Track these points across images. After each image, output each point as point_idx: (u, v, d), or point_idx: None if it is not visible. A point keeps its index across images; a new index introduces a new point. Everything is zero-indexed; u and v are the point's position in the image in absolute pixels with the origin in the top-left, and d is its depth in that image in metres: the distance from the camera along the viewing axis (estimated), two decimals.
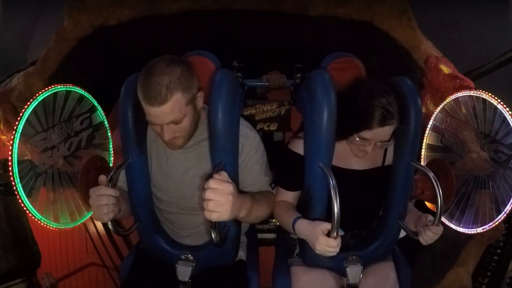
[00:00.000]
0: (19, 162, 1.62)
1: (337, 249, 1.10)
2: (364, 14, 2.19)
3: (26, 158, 1.65)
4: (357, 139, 1.24)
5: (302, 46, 2.67)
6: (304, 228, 1.18)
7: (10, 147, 1.60)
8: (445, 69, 2.03)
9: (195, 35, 2.51)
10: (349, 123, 1.24)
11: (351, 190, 1.32)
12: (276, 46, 2.72)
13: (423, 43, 2.12)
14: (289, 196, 1.38)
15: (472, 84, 2.00)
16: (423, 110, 2.08)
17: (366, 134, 1.22)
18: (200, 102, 1.24)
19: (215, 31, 2.50)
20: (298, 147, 1.35)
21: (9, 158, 1.60)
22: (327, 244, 1.09)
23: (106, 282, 3.33)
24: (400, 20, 2.14)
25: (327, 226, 1.10)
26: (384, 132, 1.22)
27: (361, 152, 1.29)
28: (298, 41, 2.64)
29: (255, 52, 2.75)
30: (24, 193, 1.63)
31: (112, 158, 2.03)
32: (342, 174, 1.29)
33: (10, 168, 1.60)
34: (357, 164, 1.38)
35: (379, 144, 1.25)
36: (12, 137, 1.61)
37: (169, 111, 1.11)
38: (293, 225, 1.23)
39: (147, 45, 2.59)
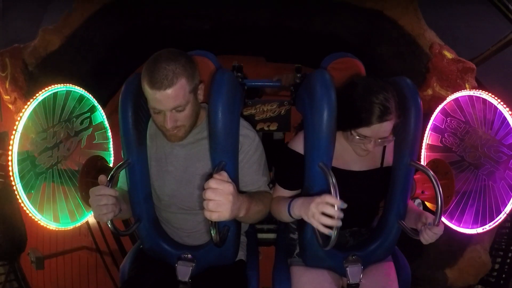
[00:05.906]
0: (19, 162, 1.62)
1: (338, 213, 1.01)
2: (376, 3, 2.38)
3: (26, 157, 1.65)
4: (357, 137, 1.23)
5: (316, 31, 2.83)
6: (301, 202, 1.14)
7: (10, 147, 1.60)
8: (448, 54, 2.19)
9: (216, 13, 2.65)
10: (348, 121, 1.22)
11: (350, 191, 1.28)
12: (291, 31, 2.88)
13: (427, 32, 2.30)
14: (286, 195, 1.37)
15: (474, 66, 2.13)
16: (430, 92, 2.28)
17: (365, 131, 1.20)
18: (200, 95, 1.26)
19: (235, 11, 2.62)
20: (298, 146, 1.33)
21: (9, 158, 1.60)
22: (324, 201, 1.02)
23: (98, 268, 3.14)
24: (407, 9, 2.32)
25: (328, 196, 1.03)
26: (383, 128, 1.19)
27: (363, 150, 1.27)
28: (313, 26, 2.82)
29: (270, 35, 2.96)
30: (24, 193, 1.63)
31: (112, 158, 2.03)
32: (340, 175, 1.26)
33: (10, 169, 1.60)
34: (355, 165, 1.37)
35: (379, 141, 1.23)
36: (12, 136, 1.61)
37: (174, 96, 1.13)
38: (289, 206, 1.19)
39: (167, 21, 2.64)
